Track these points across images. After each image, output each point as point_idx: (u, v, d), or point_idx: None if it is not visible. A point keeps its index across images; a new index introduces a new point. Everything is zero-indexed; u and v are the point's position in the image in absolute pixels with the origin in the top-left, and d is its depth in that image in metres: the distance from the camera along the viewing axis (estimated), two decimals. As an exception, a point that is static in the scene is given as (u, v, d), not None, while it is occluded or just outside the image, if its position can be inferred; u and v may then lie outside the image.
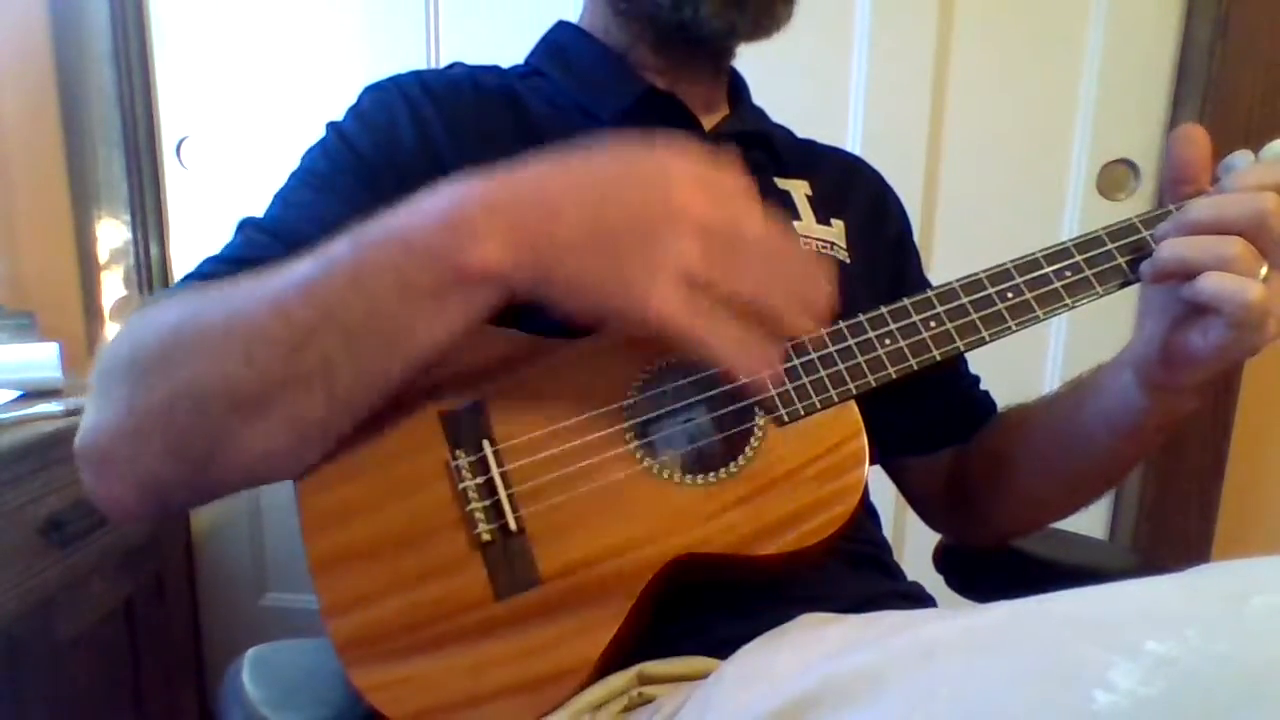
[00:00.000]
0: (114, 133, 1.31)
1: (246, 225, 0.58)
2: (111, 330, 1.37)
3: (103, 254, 1.35)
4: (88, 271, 1.36)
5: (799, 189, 0.69)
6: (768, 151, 0.70)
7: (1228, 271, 0.46)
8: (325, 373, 0.44)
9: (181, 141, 1.36)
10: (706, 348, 0.42)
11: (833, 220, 0.69)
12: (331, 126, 0.62)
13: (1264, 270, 0.46)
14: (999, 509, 0.69)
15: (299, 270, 0.45)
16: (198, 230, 1.37)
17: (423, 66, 0.68)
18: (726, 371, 0.43)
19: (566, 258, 0.42)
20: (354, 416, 0.47)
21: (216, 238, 0.57)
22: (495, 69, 0.69)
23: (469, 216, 0.43)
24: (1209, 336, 0.48)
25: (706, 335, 0.42)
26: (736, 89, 0.74)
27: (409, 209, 0.44)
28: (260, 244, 0.55)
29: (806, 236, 0.66)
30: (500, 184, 0.44)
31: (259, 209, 0.59)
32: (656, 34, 0.65)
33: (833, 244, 0.67)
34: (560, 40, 0.71)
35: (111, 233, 1.35)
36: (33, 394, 1.09)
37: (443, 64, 0.70)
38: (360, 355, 0.44)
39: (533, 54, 0.71)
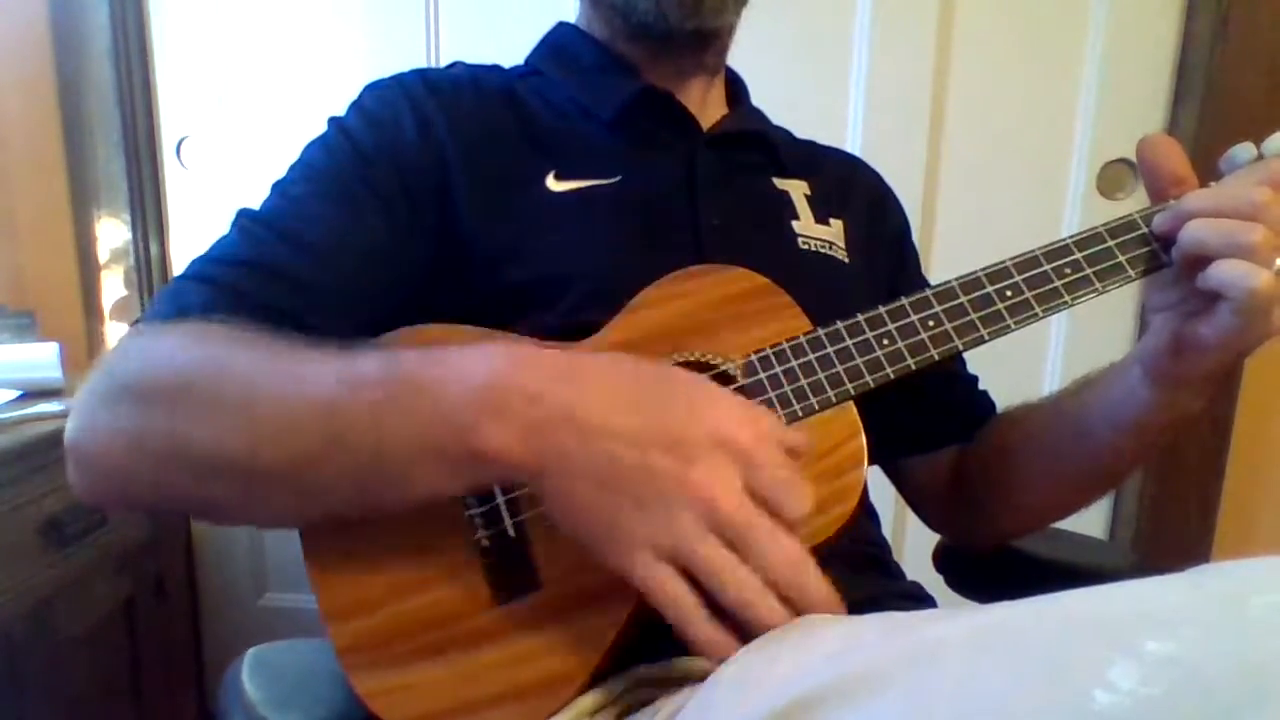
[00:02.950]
0: (114, 133, 1.31)
1: (244, 218, 0.57)
2: (112, 330, 1.37)
3: (103, 254, 1.35)
4: (88, 271, 1.36)
5: (798, 189, 0.69)
6: (766, 152, 0.70)
7: (1244, 258, 0.46)
8: (320, 489, 0.45)
9: (181, 141, 1.36)
10: (676, 622, 0.40)
11: (831, 220, 0.69)
12: (333, 121, 0.62)
13: (1279, 261, 0.47)
14: (1000, 508, 0.69)
15: (323, 382, 0.44)
16: (198, 230, 1.37)
17: (423, 66, 0.68)
18: (728, 371, 0.43)
19: (570, 480, 0.42)
20: (337, 518, 0.48)
21: (216, 238, 0.57)
22: (496, 68, 0.69)
23: (499, 397, 0.42)
24: (1215, 325, 0.48)
25: (678, 614, 0.40)
26: (736, 90, 0.74)
27: (446, 361, 0.44)
28: (261, 241, 0.55)
29: (805, 236, 0.66)
30: (539, 371, 0.43)
31: (256, 204, 0.59)
32: (623, 24, 0.65)
33: (831, 244, 0.67)
34: (559, 40, 0.71)
35: (111, 232, 1.35)
36: (33, 394, 1.09)
37: (443, 64, 0.70)
38: (357, 486, 0.45)
39: (533, 54, 0.72)
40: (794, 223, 0.66)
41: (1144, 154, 0.53)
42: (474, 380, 0.42)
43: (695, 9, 0.62)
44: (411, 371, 0.44)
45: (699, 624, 0.40)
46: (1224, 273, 0.46)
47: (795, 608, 0.40)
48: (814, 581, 0.41)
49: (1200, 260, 0.48)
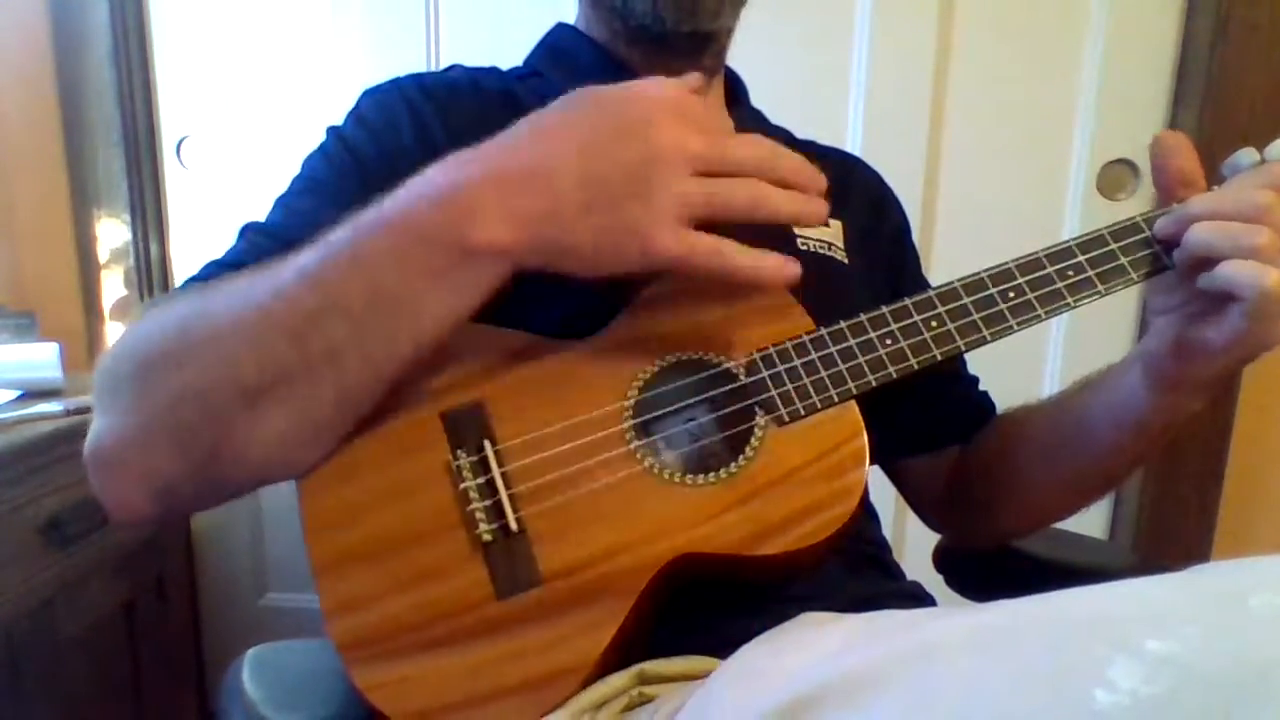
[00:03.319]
0: (114, 133, 1.31)
1: (248, 230, 0.58)
2: (112, 330, 1.37)
3: (103, 254, 1.35)
4: (88, 271, 1.36)
5: (796, 190, 0.69)
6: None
7: (1251, 259, 0.46)
8: (332, 359, 0.45)
9: (181, 141, 1.36)
10: (724, 270, 0.44)
11: (831, 221, 0.69)
12: (332, 131, 0.62)
13: None
14: (1000, 509, 0.69)
15: (299, 260, 0.45)
16: (198, 230, 1.37)
17: (422, 68, 0.68)
18: (730, 369, 0.43)
19: (566, 222, 0.44)
20: (362, 404, 0.48)
21: (217, 238, 0.58)
22: (494, 71, 0.69)
23: (463, 197, 0.44)
24: (1223, 327, 0.48)
25: (722, 260, 0.44)
26: (735, 91, 0.74)
27: (402, 193, 0.45)
28: (263, 248, 0.55)
29: (804, 237, 0.66)
30: (487, 159, 0.45)
31: (259, 209, 0.59)
32: (620, 25, 0.65)
33: (831, 244, 0.67)
34: (558, 42, 0.71)
35: (111, 233, 1.35)
36: (33, 394, 1.09)
37: (442, 65, 0.70)
38: (364, 338, 0.45)
39: (531, 55, 0.72)
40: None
41: (1155, 152, 0.53)
42: (436, 194, 0.44)
43: (692, 11, 0.62)
44: (376, 215, 0.45)
45: (740, 256, 0.45)
46: (1234, 273, 0.46)
47: (789, 184, 0.46)
48: (789, 159, 0.47)
49: (1205, 262, 0.48)
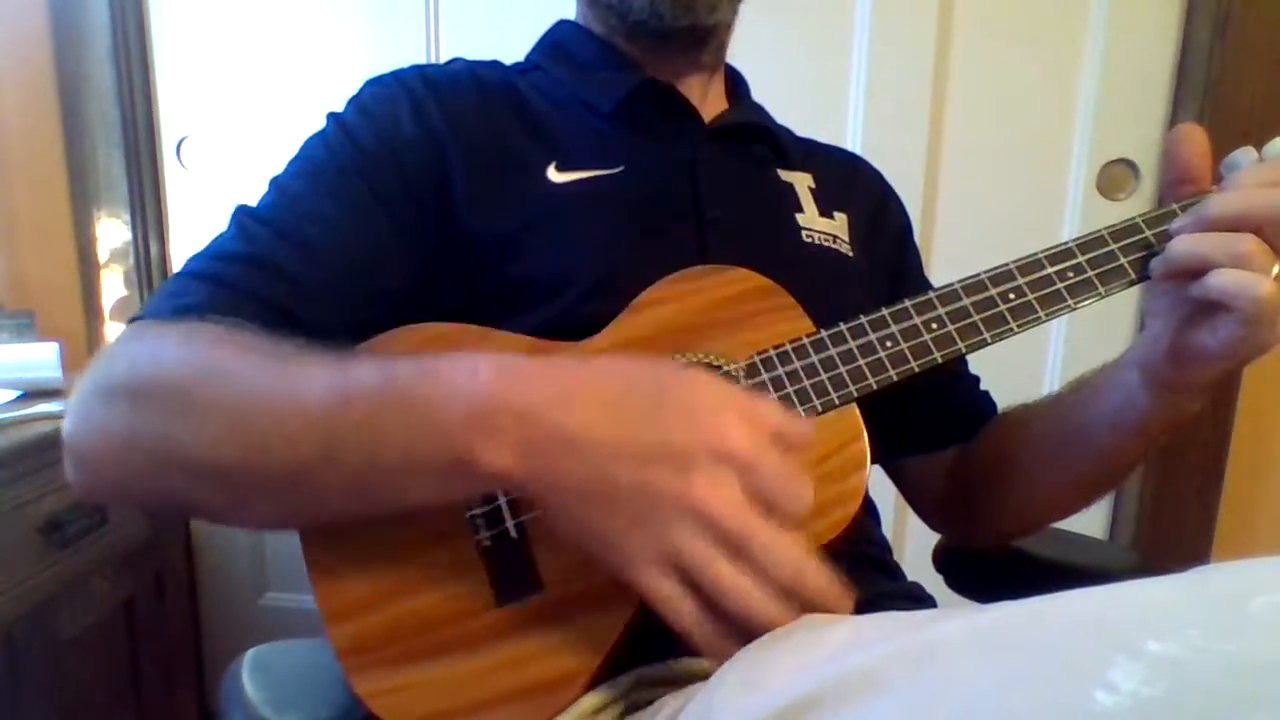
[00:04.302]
0: (114, 133, 1.31)
1: (243, 214, 0.57)
2: (112, 330, 1.37)
3: (103, 254, 1.35)
4: (88, 271, 1.36)
5: (802, 181, 0.69)
6: (770, 144, 0.70)
7: (1240, 268, 0.46)
8: (313, 498, 0.46)
9: (181, 141, 1.36)
10: (681, 630, 0.40)
11: (835, 214, 0.69)
12: (332, 117, 0.62)
13: (1276, 268, 0.46)
14: (1000, 509, 0.69)
15: (316, 392, 0.44)
16: (198, 230, 1.37)
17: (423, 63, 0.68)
18: (732, 372, 0.43)
19: (568, 496, 0.41)
20: (328, 523, 0.48)
21: (216, 234, 0.57)
22: (496, 64, 0.69)
23: (491, 416, 0.42)
24: (1219, 334, 0.48)
25: (682, 623, 0.40)
26: (736, 87, 0.74)
27: (436, 374, 0.43)
28: (260, 239, 0.55)
29: (810, 229, 0.66)
30: (532, 385, 0.42)
31: (254, 200, 0.59)
32: (621, 23, 0.65)
33: (835, 237, 0.67)
34: (559, 37, 0.71)
35: (111, 232, 1.34)
36: (33, 394, 1.09)
37: (442, 62, 0.70)
38: (350, 495, 0.45)
39: (533, 51, 0.72)
40: (798, 215, 0.66)
41: (1171, 143, 0.53)
42: (463, 397, 0.42)
43: (689, 6, 0.61)
44: (402, 385, 0.43)
45: (706, 636, 0.40)
46: (1227, 282, 0.46)
47: (803, 609, 0.40)
48: (819, 581, 0.40)
49: (1194, 272, 0.48)
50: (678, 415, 0.41)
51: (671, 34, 0.63)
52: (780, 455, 0.41)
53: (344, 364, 0.45)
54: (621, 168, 0.62)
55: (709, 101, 0.69)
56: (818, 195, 0.68)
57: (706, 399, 0.42)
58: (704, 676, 0.41)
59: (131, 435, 0.47)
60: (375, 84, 0.63)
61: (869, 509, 0.67)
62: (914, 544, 0.98)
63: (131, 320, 0.53)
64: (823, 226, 0.67)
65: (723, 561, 0.39)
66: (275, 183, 0.59)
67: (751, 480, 0.40)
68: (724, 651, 0.39)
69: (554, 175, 0.61)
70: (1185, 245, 0.49)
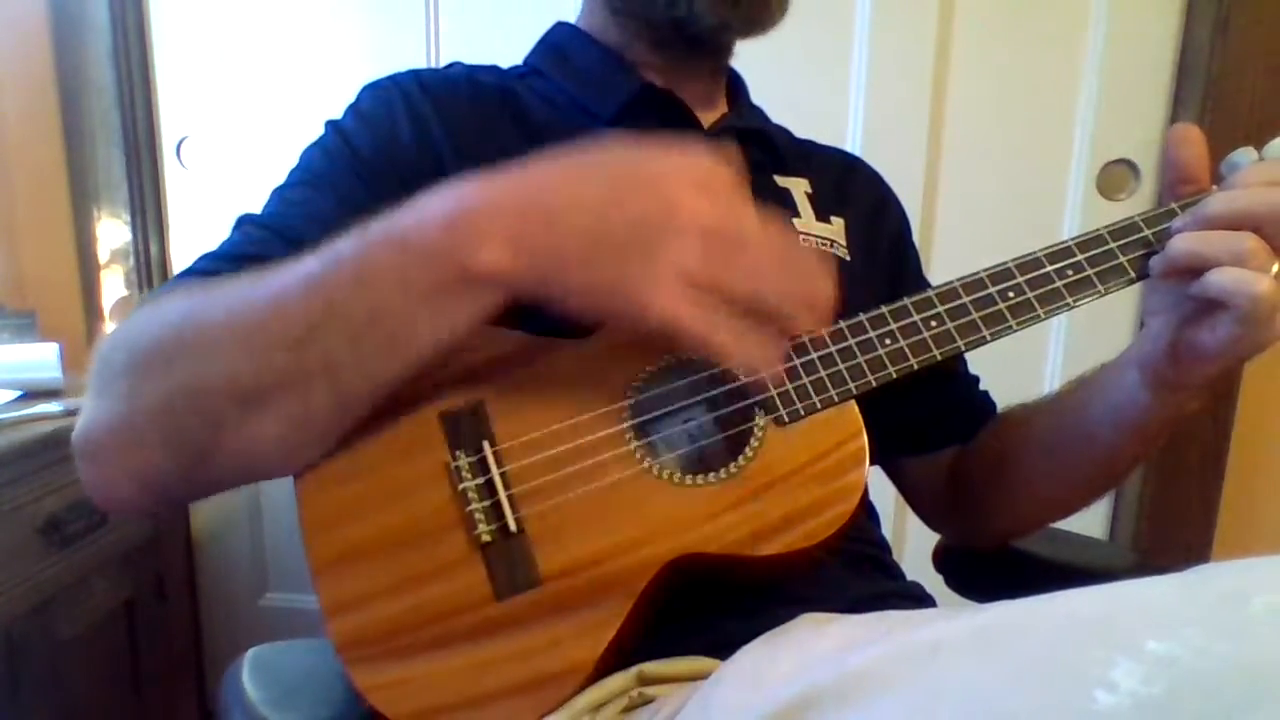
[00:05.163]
0: (114, 133, 1.31)
1: (245, 222, 0.57)
2: (111, 330, 1.37)
3: (103, 254, 1.35)
4: (88, 271, 1.36)
5: (799, 186, 0.69)
6: (767, 149, 0.70)
7: (1239, 266, 0.46)
8: (327, 369, 0.44)
9: (181, 141, 1.36)
10: (710, 346, 0.43)
11: (833, 218, 0.69)
12: (330, 124, 0.62)
13: (1275, 266, 0.47)
14: (999, 508, 0.69)
15: (302, 267, 0.45)
16: (198, 230, 1.37)
17: (422, 66, 0.68)
18: (729, 369, 0.43)
19: (568, 263, 0.43)
20: (356, 413, 0.47)
21: (217, 237, 0.57)
22: (494, 68, 0.69)
23: (471, 220, 0.43)
24: (1217, 332, 0.48)
25: (710, 334, 0.42)
26: (735, 88, 0.74)
27: (412, 209, 0.44)
28: (259, 240, 0.55)
29: (807, 234, 0.66)
30: (502, 187, 0.44)
31: (258, 207, 0.59)
32: (653, 32, 0.65)
33: (833, 241, 0.67)
34: (558, 40, 0.71)
35: (111, 232, 1.35)
36: (33, 394, 1.09)
37: (442, 64, 0.70)
38: (363, 352, 0.44)
39: (531, 54, 0.71)
40: (795, 220, 0.66)
41: (1169, 144, 0.53)
42: (444, 214, 0.43)
43: (762, 17, 0.63)
44: (385, 226, 0.44)
45: (723, 334, 0.43)
46: (1226, 280, 0.46)
47: (798, 284, 0.44)
48: (802, 259, 0.45)
49: (1193, 270, 0.48)
50: (644, 159, 0.44)
51: (707, 38, 0.64)
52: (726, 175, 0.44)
53: (322, 246, 0.46)
54: None
55: (709, 106, 0.69)
56: (815, 200, 0.69)
57: (659, 146, 0.45)
58: (704, 674, 0.41)
59: (142, 405, 0.46)
60: (372, 89, 0.63)
61: (869, 509, 0.67)
62: (914, 544, 0.98)
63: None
64: (820, 231, 0.67)
65: (723, 257, 0.42)
66: (276, 192, 0.60)
67: (714, 199, 0.43)
68: (751, 357, 0.43)
69: None
70: (1185, 244, 0.49)
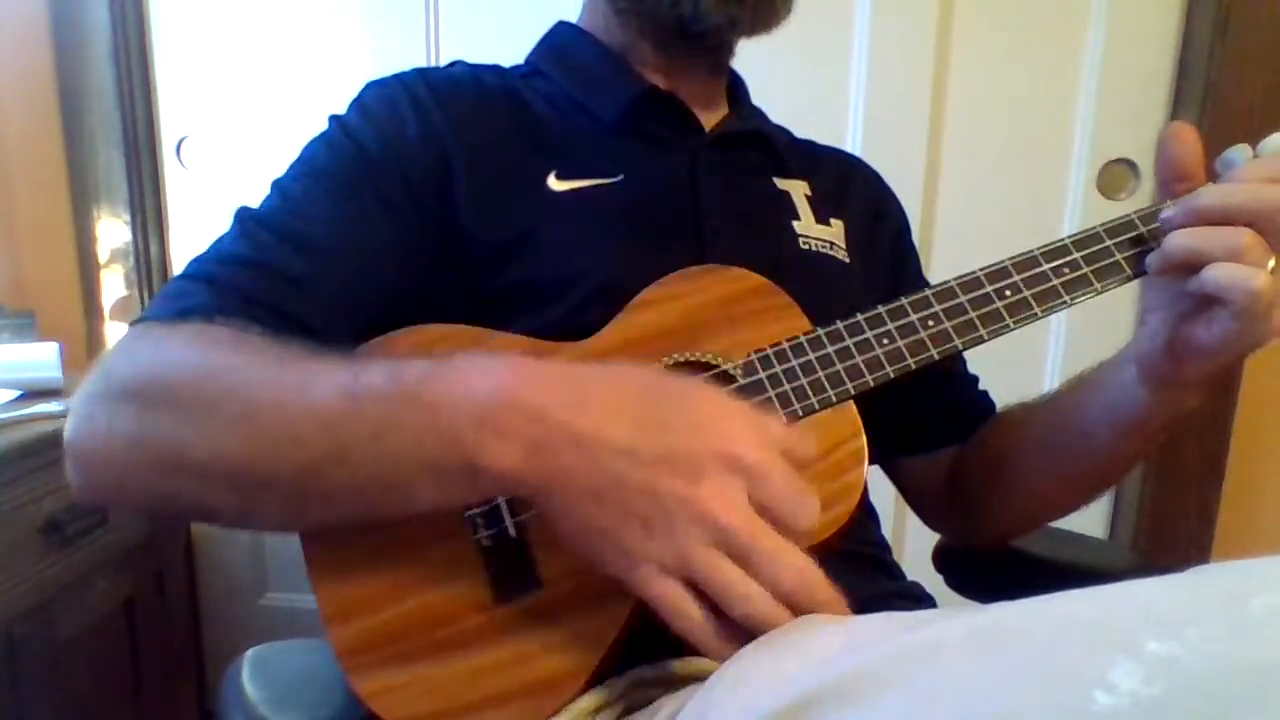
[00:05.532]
0: (114, 133, 1.31)
1: (245, 217, 0.57)
2: (112, 330, 1.37)
3: (103, 254, 1.35)
4: (88, 271, 1.36)
5: (798, 189, 0.69)
6: (767, 151, 0.70)
7: (1236, 262, 0.46)
8: (320, 501, 0.45)
9: (181, 141, 1.36)
10: (683, 632, 0.41)
11: (832, 220, 0.69)
12: (334, 119, 0.62)
13: (1271, 263, 0.47)
14: (998, 507, 0.69)
15: (325, 395, 0.44)
16: (198, 230, 1.37)
17: (424, 65, 0.68)
18: (730, 370, 0.43)
19: (576, 497, 0.41)
20: (341, 524, 0.48)
21: (216, 237, 0.57)
22: (496, 68, 0.69)
23: (501, 414, 0.41)
24: (1214, 329, 0.48)
25: (684, 622, 0.40)
26: (736, 89, 0.74)
27: (448, 372, 0.43)
28: (262, 242, 0.55)
29: (806, 236, 0.66)
30: (545, 391, 0.42)
31: (256, 202, 0.59)
32: (656, 31, 0.65)
33: (832, 243, 0.67)
34: (560, 40, 0.71)
35: (111, 232, 1.35)
36: (33, 394, 1.09)
37: (443, 64, 0.70)
38: (359, 496, 0.45)
39: (533, 54, 0.71)
40: (795, 223, 0.66)
41: (1162, 143, 0.53)
42: (475, 397, 0.42)
43: (768, 16, 0.63)
44: (412, 387, 0.43)
45: (709, 638, 0.40)
46: (1222, 276, 0.46)
47: (803, 615, 0.40)
48: (821, 591, 0.41)
49: (1190, 266, 0.48)
50: (689, 420, 0.41)
51: (712, 37, 0.64)
52: (785, 464, 0.41)
53: (353, 366, 0.45)
54: (621, 176, 0.62)
55: (710, 107, 0.69)
56: (814, 202, 0.69)
57: (718, 407, 0.42)
58: (702, 677, 0.41)
59: (137, 439, 0.46)
60: (377, 86, 0.63)
61: (868, 509, 0.67)
62: (914, 544, 0.98)
63: (134, 323, 0.53)
64: (819, 233, 0.67)
65: (729, 567, 0.39)
66: (277, 185, 0.59)
67: (758, 490, 0.40)
68: (726, 652, 0.39)
69: (554, 184, 0.61)
70: (1181, 240, 0.48)
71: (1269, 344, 0.48)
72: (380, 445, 0.43)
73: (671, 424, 0.41)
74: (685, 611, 0.40)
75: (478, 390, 0.42)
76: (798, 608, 0.40)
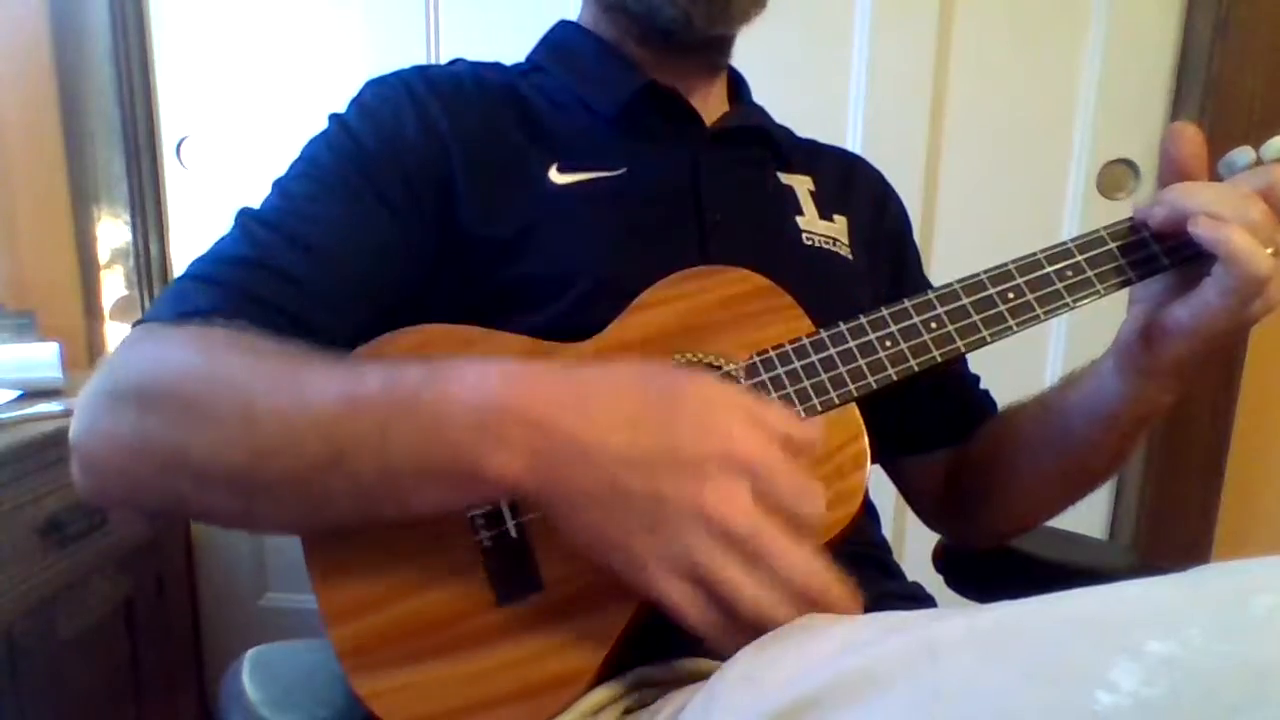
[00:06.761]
0: (114, 133, 1.31)
1: (245, 217, 0.57)
2: (112, 330, 1.37)
3: (103, 254, 1.35)
4: (88, 271, 1.36)
5: (802, 184, 0.69)
6: (769, 147, 0.70)
7: (1249, 230, 0.47)
8: (321, 503, 0.45)
9: (181, 141, 1.36)
10: (693, 629, 0.40)
11: (835, 217, 0.69)
12: (334, 118, 0.62)
13: (1270, 249, 0.47)
14: (993, 507, 0.69)
15: (324, 397, 0.44)
16: (198, 230, 1.37)
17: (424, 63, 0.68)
18: (733, 371, 0.43)
19: (579, 504, 0.41)
20: (341, 528, 0.48)
21: (217, 238, 0.57)
22: (497, 66, 0.69)
23: (501, 422, 0.41)
24: (1191, 303, 0.49)
25: (693, 622, 0.40)
26: (738, 88, 0.74)
27: (446, 378, 0.43)
28: (263, 242, 0.55)
29: (810, 232, 0.66)
30: (541, 399, 0.42)
31: (257, 202, 0.59)
32: (634, 26, 0.65)
33: (835, 240, 0.67)
34: (561, 38, 0.71)
35: (111, 232, 1.34)
36: (33, 394, 1.09)
37: (443, 62, 0.70)
38: (359, 500, 0.45)
39: (534, 52, 0.72)
40: (798, 218, 0.66)
41: (1165, 142, 0.53)
42: (476, 403, 0.42)
43: (724, 13, 0.61)
44: (412, 391, 0.43)
45: (718, 636, 0.40)
46: (1239, 242, 0.47)
47: (813, 611, 0.40)
48: (830, 586, 0.41)
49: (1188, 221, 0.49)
50: (689, 422, 0.41)
51: (697, 41, 0.63)
52: (790, 460, 0.41)
53: (353, 369, 0.45)
54: (623, 170, 0.62)
55: (711, 104, 0.69)
56: (818, 198, 0.69)
57: (717, 405, 0.42)
58: (704, 676, 0.41)
59: (140, 441, 0.47)
60: (377, 84, 0.63)
61: (869, 510, 0.67)
62: (914, 544, 0.98)
63: (136, 324, 0.53)
64: (822, 229, 0.67)
65: (736, 566, 0.39)
66: (278, 184, 0.59)
67: (763, 486, 0.40)
68: (736, 650, 0.39)
69: (555, 177, 0.61)
70: (1206, 197, 0.49)
71: (1267, 343, 0.49)
72: (380, 449, 0.43)
73: (672, 424, 0.41)
74: (693, 611, 0.40)
75: (474, 397, 0.42)
76: (809, 605, 0.40)
